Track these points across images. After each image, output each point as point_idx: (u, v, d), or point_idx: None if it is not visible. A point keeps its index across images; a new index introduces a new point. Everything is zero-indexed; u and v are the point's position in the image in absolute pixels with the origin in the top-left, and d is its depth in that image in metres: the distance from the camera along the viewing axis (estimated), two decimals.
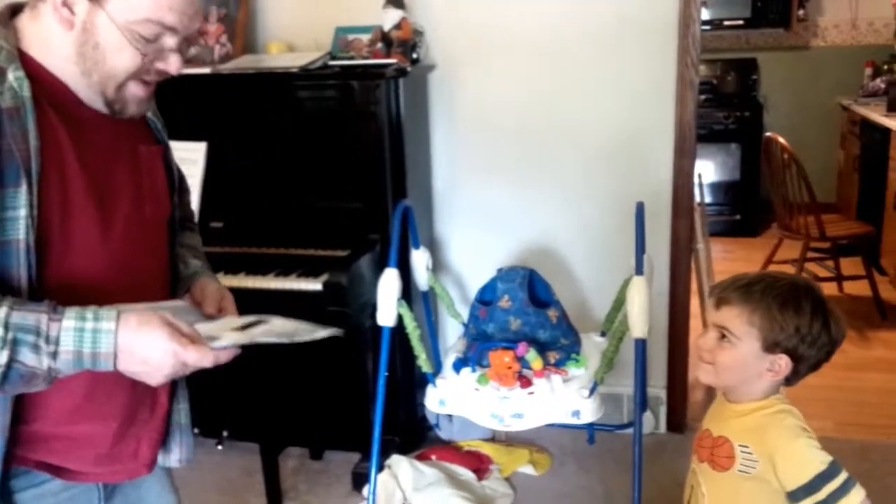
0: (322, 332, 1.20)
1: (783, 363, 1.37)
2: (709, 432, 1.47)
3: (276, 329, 1.18)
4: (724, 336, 1.39)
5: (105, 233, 1.12)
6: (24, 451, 1.10)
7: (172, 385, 1.29)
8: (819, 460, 1.32)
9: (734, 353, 1.38)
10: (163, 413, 1.26)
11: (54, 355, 0.98)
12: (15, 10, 1.11)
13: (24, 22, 1.09)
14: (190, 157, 2.32)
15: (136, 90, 1.12)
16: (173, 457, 1.31)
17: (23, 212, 1.00)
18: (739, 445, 1.40)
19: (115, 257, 1.13)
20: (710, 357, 1.42)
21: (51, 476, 1.14)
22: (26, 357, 0.97)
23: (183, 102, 2.59)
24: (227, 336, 1.11)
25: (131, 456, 1.21)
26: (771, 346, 1.36)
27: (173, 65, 1.12)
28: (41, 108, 1.05)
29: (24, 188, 1.01)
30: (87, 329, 0.99)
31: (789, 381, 1.42)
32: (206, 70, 2.60)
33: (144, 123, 1.25)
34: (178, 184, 1.34)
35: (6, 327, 0.96)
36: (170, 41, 1.10)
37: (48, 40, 1.07)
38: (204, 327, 1.12)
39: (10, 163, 1.00)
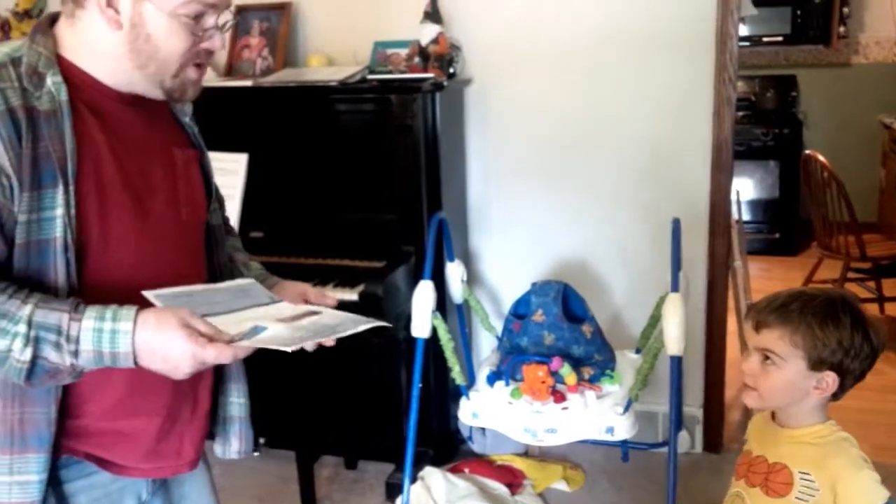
0: (364, 325, 1.22)
1: (830, 380, 1.36)
2: (763, 458, 1.45)
3: (324, 320, 1.20)
4: (767, 358, 1.38)
5: (142, 231, 1.14)
6: (73, 443, 1.13)
7: (219, 382, 1.32)
8: (880, 495, 1.31)
9: (781, 374, 1.37)
10: (204, 411, 1.28)
11: (76, 354, 1.01)
12: (54, 19, 1.15)
13: (63, 29, 1.13)
14: (231, 168, 2.36)
15: (192, 74, 1.16)
16: (232, 448, 1.35)
17: (60, 211, 1.04)
18: (800, 473, 1.38)
19: (152, 256, 1.16)
20: (754, 382, 1.40)
21: (99, 468, 1.17)
22: (49, 354, 1.01)
23: (225, 114, 2.66)
24: (272, 326, 1.13)
25: (174, 453, 1.24)
26: (816, 364, 1.35)
27: (217, 42, 1.15)
28: (78, 111, 1.08)
29: (60, 188, 1.04)
30: (106, 329, 1.01)
31: (836, 396, 1.40)
32: (247, 83, 2.65)
33: (180, 127, 1.28)
34: (215, 191, 1.36)
35: (29, 325, 0.99)
36: (210, 19, 1.13)
37: (93, 44, 1.11)
38: (253, 313, 1.14)
39: (47, 165, 1.04)
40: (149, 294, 1.08)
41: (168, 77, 1.14)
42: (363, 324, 1.22)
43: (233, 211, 2.34)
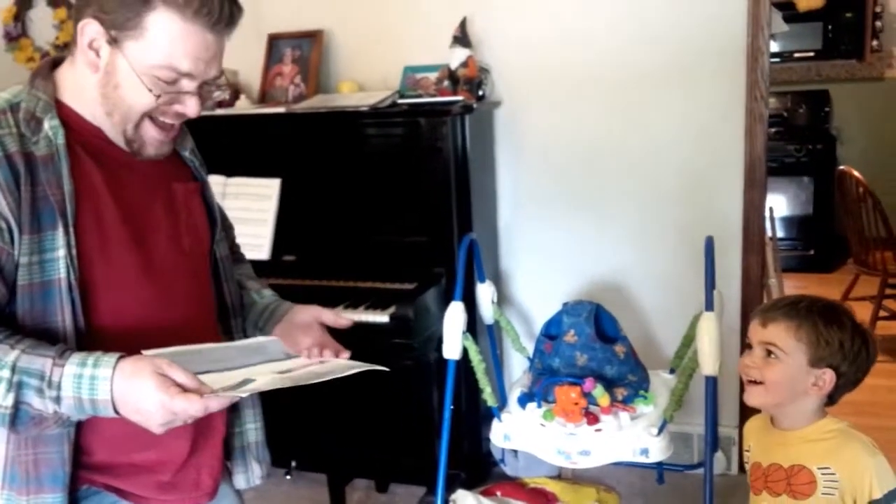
0: (356, 369, 1.22)
1: (827, 378, 1.41)
2: (777, 465, 1.47)
3: (321, 368, 1.20)
4: (770, 354, 1.44)
5: (145, 268, 1.17)
6: (91, 475, 1.15)
7: (233, 410, 1.33)
8: (893, 479, 1.37)
9: (782, 368, 1.42)
10: (219, 440, 1.29)
11: (57, 400, 1.02)
12: (56, 63, 1.19)
13: (63, 72, 1.17)
14: (265, 193, 2.40)
15: (152, 131, 1.17)
16: (256, 475, 1.38)
17: (61, 252, 1.07)
18: (819, 469, 1.41)
19: (158, 291, 1.18)
20: (758, 374, 1.46)
21: (119, 498, 1.18)
22: (32, 400, 1.02)
23: (259, 141, 2.71)
24: (263, 378, 1.11)
25: (193, 485, 1.25)
26: (816, 361, 1.41)
27: (191, 108, 1.16)
28: (75, 153, 1.12)
29: (60, 230, 1.07)
30: (86, 376, 1.02)
31: (831, 398, 1.45)
32: (280, 109, 2.70)
33: (181, 162, 1.31)
34: (220, 220, 1.38)
35: (13, 370, 1.01)
36: (187, 85, 1.14)
37: (81, 86, 1.15)
38: (258, 368, 1.14)
39: (46, 208, 1.07)
40: (149, 353, 1.07)
41: (129, 128, 1.16)
42: (356, 368, 1.22)
43: (266, 235, 2.38)
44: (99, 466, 1.16)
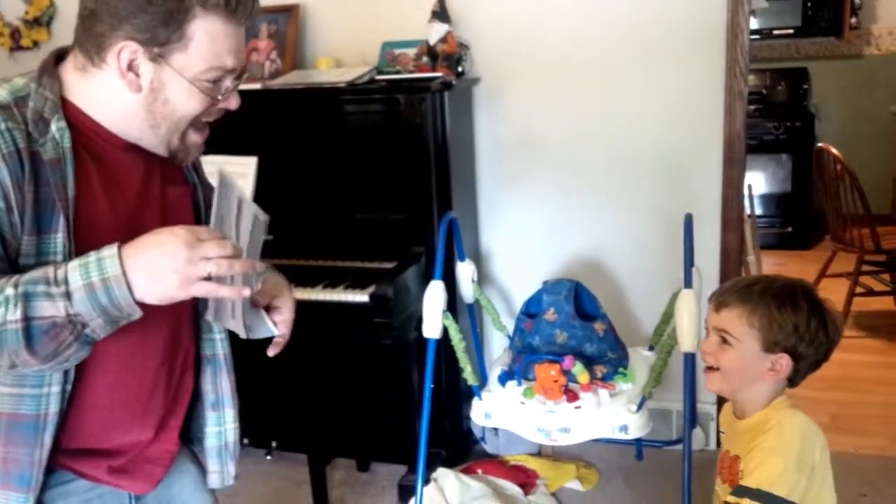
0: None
1: (784, 362, 1.38)
2: (727, 452, 1.47)
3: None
4: (724, 341, 1.41)
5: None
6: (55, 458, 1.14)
7: (213, 409, 1.32)
8: (774, 485, 1.31)
9: (736, 354, 1.40)
10: (175, 434, 1.28)
11: (68, 295, 0.98)
12: (60, 56, 1.16)
13: (71, 75, 1.13)
14: (241, 172, 2.36)
15: (195, 137, 1.19)
16: (231, 473, 1.35)
17: (60, 257, 1.05)
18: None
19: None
20: (713, 360, 1.43)
21: (75, 476, 1.17)
22: (42, 305, 0.97)
23: (234, 118, 2.65)
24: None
25: (144, 473, 1.25)
26: (771, 346, 1.38)
27: (234, 102, 1.18)
28: (79, 156, 1.10)
29: (61, 234, 1.06)
30: (91, 261, 0.99)
31: (792, 381, 1.42)
32: (256, 86, 2.65)
33: (176, 165, 1.29)
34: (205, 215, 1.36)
35: (16, 286, 0.98)
36: (228, 81, 1.16)
37: (106, 99, 1.12)
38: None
39: (47, 210, 1.05)
40: None
41: (176, 139, 1.16)
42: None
43: None
44: (63, 451, 1.15)
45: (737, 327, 1.39)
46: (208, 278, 1.01)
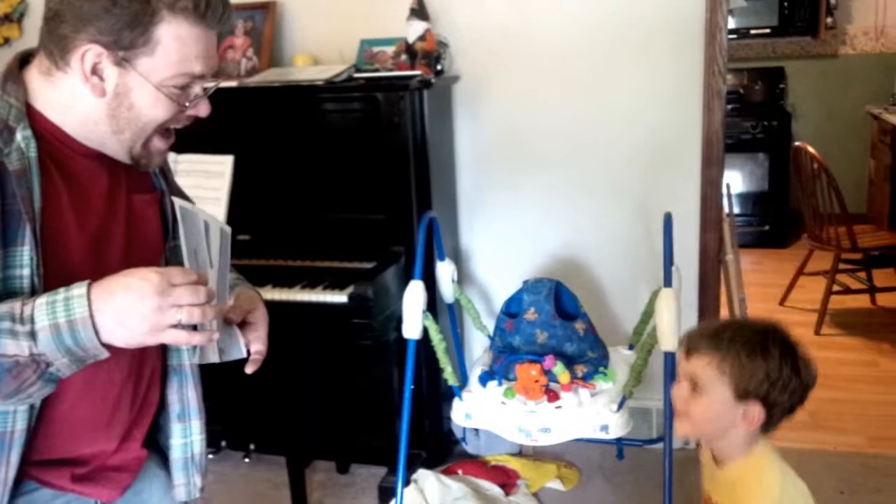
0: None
1: (756, 411, 1.33)
2: (709, 497, 1.43)
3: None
4: (696, 386, 1.35)
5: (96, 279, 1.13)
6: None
7: (179, 420, 1.29)
8: None
9: (707, 402, 1.34)
10: (139, 444, 1.25)
11: (32, 335, 0.94)
12: (24, 59, 1.12)
13: (35, 78, 1.10)
14: (217, 171, 2.33)
15: (159, 144, 1.15)
16: (198, 486, 1.32)
17: (27, 271, 1.02)
18: None
19: None
20: (684, 407, 1.37)
21: (39, 485, 1.14)
22: (6, 345, 0.93)
23: (210, 116, 2.62)
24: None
25: (109, 480, 1.21)
26: (742, 394, 1.32)
27: (203, 109, 1.15)
28: (44, 166, 1.06)
29: (27, 248, 1.02)
30: (59, 300, 0.95)
31: (766, 428, 1.36)
32: (232, 83, 2.62)
33: (144, 172, 1.25)
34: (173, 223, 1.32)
35: None
36: (197, 88, 1.13)
37: (69, 104, 1.09)
38: None
39: (13, 223, 1.01)
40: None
41: (139, 145, 1.12)
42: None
43: (219, 214, 2.31)
44: (26, 462, 1.12)
45: (707, 374, 1.33)
46: (179, 324, 0.98)
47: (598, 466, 2.72)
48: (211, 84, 1.15)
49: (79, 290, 0.96)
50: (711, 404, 1.34)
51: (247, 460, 2.75)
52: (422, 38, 2.59)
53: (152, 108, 1.09)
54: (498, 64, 2.75)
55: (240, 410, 2.69)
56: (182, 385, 1.30)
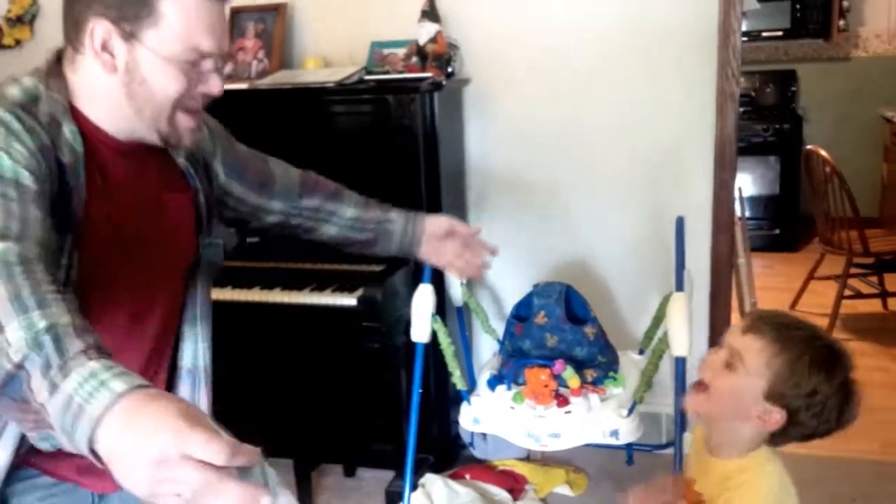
0: None
1: (776, 418, 1.24)
2: (693, 481, 1.35)
3: None
4: (731, 365, 1.27)
5: (126, 280, 1.15)
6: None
7: None
8: None
9: (735, 382, 1.25)
10: None
11: (53, 388, 0.80)
12: (59, 56, 1.13)
13: (68, 72, 1.12)
14: None
15: (185, 121, 1.14)
16: None
17: (64, 260, 1.03)
18: None
19: (133, 305, 1.17)
20: (709, 377, 1.29)
21: (41, 473, 1.16)
22: (33, 376, 0.82)
23: (221, 118, 2.62)
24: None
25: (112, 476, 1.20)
26: (774, 396, 1.23)
27: (215, 86, 1.14)
28: (85, 161, 1.08)
29: (69, 237, 1.04)
30: (98, 379, 0.79)
31: (777, 440, 1.29)
32: (243, 85, 2.61)
33: (175, 169, 1.26)
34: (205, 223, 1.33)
35: (36, 334, 0.82)
36: (207, 64, 1.12)
37: (94, 90, 1.10)
38: None
39: (60, 212, 1.03)
40: None
41: (163, 122, 1.12)
42: None
43: None
44: (31, 450, 1.13)
45: (754, 358, 1.24)
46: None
47: (608, 472, 2.70)
48: (224, 62, 1.15)
49: (120, 384, 0.78)
50: (739, 387, 1.25)
51: None
52: (433, 40, 2.58)
53: (163, 81, 1.09)
54: (509, 66, 2.74)
55: (247, 413, 2.68)
56: (195, 388, 1.30)
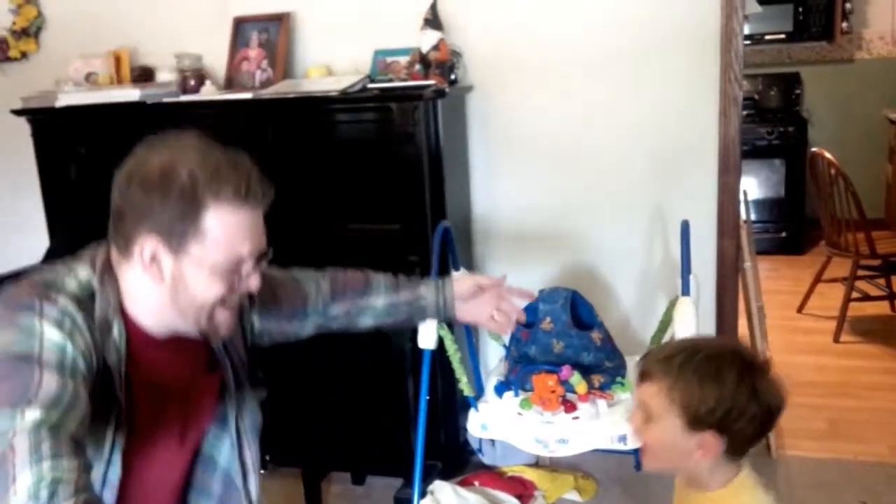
0: None
1: (712, 442, 1.23)
2: None
3: None
4: (647, 417, 1.27)
5: (145, 460, 1.22)
6: None
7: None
8: None
9: (659, 431, 1.26)
10: None
11: None
12: (108, 250, 1.20)
13: (118, 274, 1.18)
14: None
15: (222, 316, 1.20)
16: None
17: (106, 448, 1.13)
18: None
19: (146, 481, 1.24)
20: (640, 437, 1.30)
21: None
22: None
23: (225, 128, 2.63)
24: None
25: None
26: (695, 424, 1.22)
27: (255, 283, 1.21)
28: (127, 357, 1.16)
29: (110, 429, 1.12)
30: None
31: (735, 454, 1.27)
32: (247, 95, 2.62)
33: (208, 350, 1.32)
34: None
35: (50, 483, 0.91)
36: (248, 266, 1.18)
37: (141, 294, 1.17)
38: None
39: (102, 407, 1.10)
40: None
41: (203, 320, 1.19)
42: None
43: None
44: None
45: (657, 403, 1.24)
46: None
47: (616, 477, 2.70)
48: (260, 261, 1.21)
49: None
50: (663, 434, 1.25)
51: (262, 472, 2.73)
52: (435, 47, 2.59)
53: (207, 289, 1.15)
54: (512, 73, 2.74)
55: None
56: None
